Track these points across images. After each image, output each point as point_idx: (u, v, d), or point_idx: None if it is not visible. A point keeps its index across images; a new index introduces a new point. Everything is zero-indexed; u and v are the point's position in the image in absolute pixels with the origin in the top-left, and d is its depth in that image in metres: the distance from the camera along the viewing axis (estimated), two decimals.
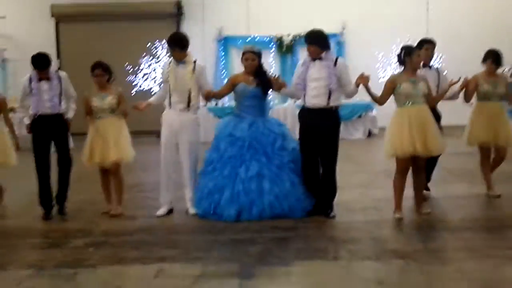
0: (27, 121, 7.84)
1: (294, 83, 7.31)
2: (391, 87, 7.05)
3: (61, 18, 18.64)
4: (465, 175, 9.60)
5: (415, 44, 7.74)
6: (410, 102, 6.98)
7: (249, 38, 17.94)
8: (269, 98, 7.74)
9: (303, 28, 17.38)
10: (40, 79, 7.62)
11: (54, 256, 5.96)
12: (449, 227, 6.70)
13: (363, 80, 6.93)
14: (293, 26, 17.40)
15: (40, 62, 7.56)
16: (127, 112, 7.73)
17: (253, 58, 7.33)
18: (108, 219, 7.48)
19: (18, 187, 9.04)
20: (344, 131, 16.38)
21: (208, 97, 7.51)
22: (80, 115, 7.92)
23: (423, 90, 7.00)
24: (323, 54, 7.10)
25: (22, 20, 18.26)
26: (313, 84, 7.09)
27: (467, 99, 8.01)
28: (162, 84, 7.74)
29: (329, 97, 7.08)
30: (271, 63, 17.91)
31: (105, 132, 7.62)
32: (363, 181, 9.45)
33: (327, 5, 18.06)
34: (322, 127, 7.07)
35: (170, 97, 7.48)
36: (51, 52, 18.00)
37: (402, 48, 7.09)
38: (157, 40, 16.77)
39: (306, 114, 7.23)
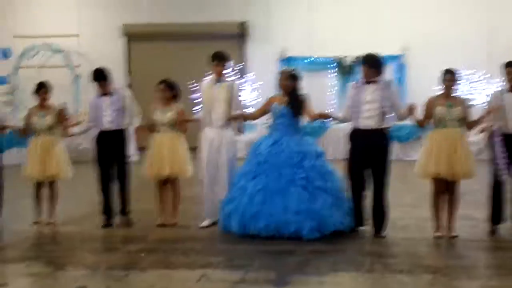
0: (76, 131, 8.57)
1: (347, 105, 7.56)
2: (430, 108, 7.29)
3: (132, 37, 19.48)
4: None
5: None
6: (444, 125, 7.20)
7: (310, 59, 18.36)
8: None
9: (364, 50, 17.67)
10: (102, 95, 8.20)
11: (108, 259, 6.48)
12: (486, 246, 6.94)
13: (411, 112, 7.25)
14: (354, 48, 17.60)
15: (97, 75, 8.16)
16: (185, 127, 8.20)
17: (285, 78, 7.64)
18: (162, 228, 7.96)
19: (80, 197, 9.65)
20: (401, 152, 16.58)
21: (236, 119, 7.99)
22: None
23: (458, 114, 7.18)
24: (377, 77, 7.37)
25: (95, 38, 19.13)
26: (367, 106, 7.31)
27: None
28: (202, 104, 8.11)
29: (381, 119, 7.34)
30: (332, 84, 18.28)
31: (163, 146, 8.10)
32: (411, 201, 9.69)
33: (389, 27, 18.24)
34: (374, 148, 7.30)
35: (209, 115, 7.94)
36: (122, 69, 18.97)
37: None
38: None
39: (358, 135, 7.41)
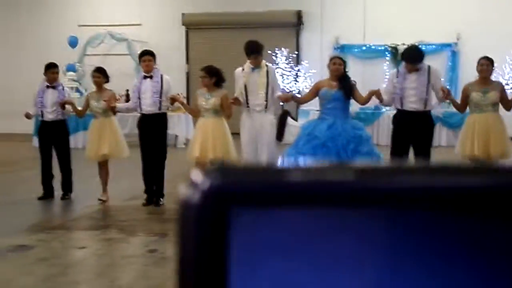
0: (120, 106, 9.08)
1: (389, 91, 8.01)
2: (465, 95, 7.78)
3: (190, 26, 20.17)
4: None
5: None
6: (480, 110, 7.67)
7: (364, 47, 18.75)
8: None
9: (417, 38, 17.94)
10: (144, 77, 8.51)
11: (173, 227, 7.09)
12: None
13: (446, 98, 7.77)
14: (408, 35, 17.93)
15: (142, 51, 8.89)
16: (230, 112, 8.33)
17: (340, 63, 7.97)
18: None
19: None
20: (454, 137, 16.85)
21: (287, 100, 8.48)
22: None
23: (492, 100, 7.64)
24: (417, 67, 7.83)
25: (156, 27, 19.88)
26: (411, 92, 7.79)
27: None
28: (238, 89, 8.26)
29: (425, 103, 7.81)
30: (385, 72, 18.58)
31: (206, 130, 8.26)
32: None
33: (442, 15, 18.43)
34: (418, 129, 7.74)
35: (247, 101, 8.14)
36: (181, 57, 19.69)
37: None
38: (277, 48, 17.81)
39: (403, 117, 7.89)
